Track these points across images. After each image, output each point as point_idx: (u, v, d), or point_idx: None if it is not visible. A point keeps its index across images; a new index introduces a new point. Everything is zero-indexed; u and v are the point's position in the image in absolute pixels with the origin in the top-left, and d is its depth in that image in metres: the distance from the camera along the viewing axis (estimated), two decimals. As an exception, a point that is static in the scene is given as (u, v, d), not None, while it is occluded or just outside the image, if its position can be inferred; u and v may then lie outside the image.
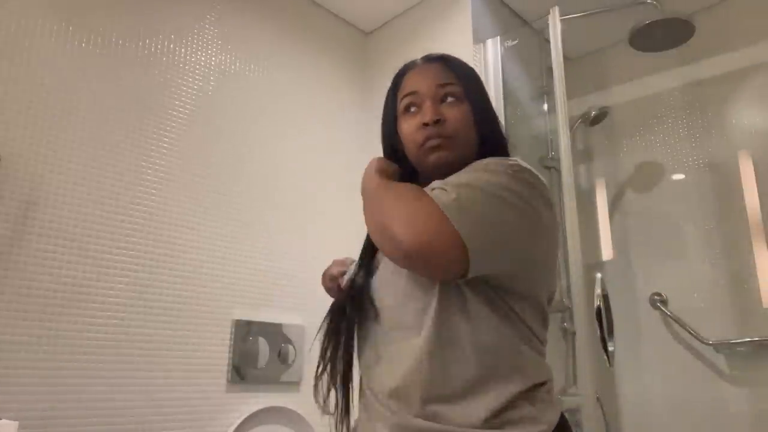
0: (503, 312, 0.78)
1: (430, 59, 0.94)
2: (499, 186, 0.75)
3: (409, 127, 0.89)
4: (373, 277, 0.90)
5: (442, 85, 0.88)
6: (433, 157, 0.87)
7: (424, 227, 0.71)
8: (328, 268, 1.04)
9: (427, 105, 0.87)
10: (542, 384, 0.79)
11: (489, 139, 0.90)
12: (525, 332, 0.80)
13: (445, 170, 0.87)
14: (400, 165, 0.94)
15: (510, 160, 0.80)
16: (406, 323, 0.80)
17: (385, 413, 0.79)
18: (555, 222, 0.82)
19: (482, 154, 0.88)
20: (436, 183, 0.79)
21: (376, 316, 0.86)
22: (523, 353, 0.78)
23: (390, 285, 0.85)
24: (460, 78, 0.90)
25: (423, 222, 0.72)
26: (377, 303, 0.87)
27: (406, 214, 0.74)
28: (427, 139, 0.86)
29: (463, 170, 0.81)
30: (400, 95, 0.92)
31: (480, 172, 0.78)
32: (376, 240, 0.80)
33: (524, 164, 0.80)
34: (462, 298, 0.77)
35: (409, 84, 0.91)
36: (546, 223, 0.79)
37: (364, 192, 0.89)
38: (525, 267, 0.79)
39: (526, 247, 0.78)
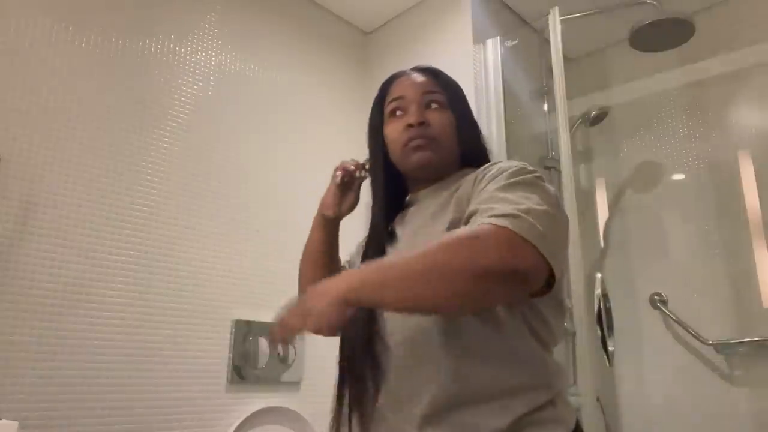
0: (525, 318, 0.77)
1: (416, 69, 0.99)
2: (544, 202, 0.71)
3: (394, 130, 0.93)
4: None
5: (428, 92, 0.93)
6: (416, 157, 0.90)
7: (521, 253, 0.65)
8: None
9: (413, 108, 0.91)
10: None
11: (471, 146, 0.94)
12: (546, 334, 0.79)
13: (427, 171, 0.91)
14: (386, 170, 0.96)
15: (525, 167, 0.78)
16: (431, 332, 0.77)
17: (398, 423, 0.77)
18: None
19: (464, 161, 0.93)
20: (495, 210, 0.69)
21: (383, 327, 0.83)
22: (547, 364, 0.78)
23: None
24: (445, 88, 0.94)
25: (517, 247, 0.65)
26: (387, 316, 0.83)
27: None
28: (411, 139, 0.89)
29: (487, 186, 0.76)
30: (387, 101, 0.96)
31: (517, 189, 0.73)
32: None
33: (532, 167, 0.79)
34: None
35: (397, 90, 0.95)
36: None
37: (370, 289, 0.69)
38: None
39: (566, 251, 0.77)
